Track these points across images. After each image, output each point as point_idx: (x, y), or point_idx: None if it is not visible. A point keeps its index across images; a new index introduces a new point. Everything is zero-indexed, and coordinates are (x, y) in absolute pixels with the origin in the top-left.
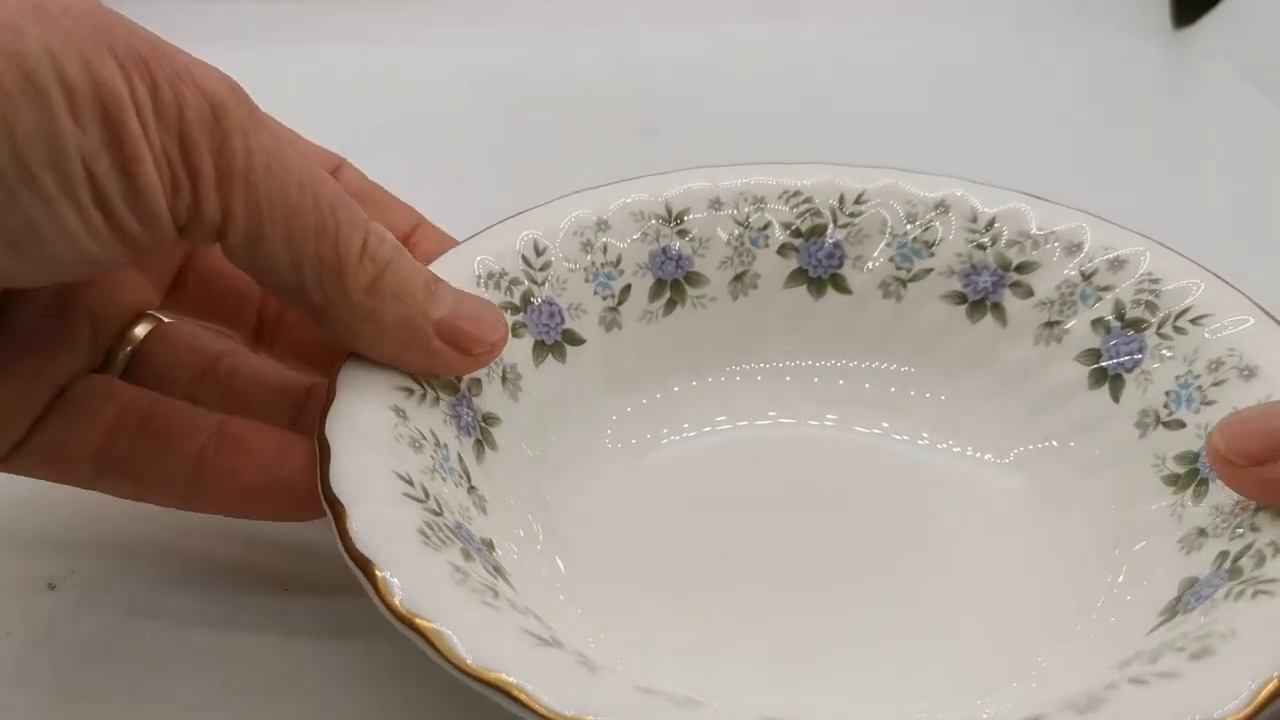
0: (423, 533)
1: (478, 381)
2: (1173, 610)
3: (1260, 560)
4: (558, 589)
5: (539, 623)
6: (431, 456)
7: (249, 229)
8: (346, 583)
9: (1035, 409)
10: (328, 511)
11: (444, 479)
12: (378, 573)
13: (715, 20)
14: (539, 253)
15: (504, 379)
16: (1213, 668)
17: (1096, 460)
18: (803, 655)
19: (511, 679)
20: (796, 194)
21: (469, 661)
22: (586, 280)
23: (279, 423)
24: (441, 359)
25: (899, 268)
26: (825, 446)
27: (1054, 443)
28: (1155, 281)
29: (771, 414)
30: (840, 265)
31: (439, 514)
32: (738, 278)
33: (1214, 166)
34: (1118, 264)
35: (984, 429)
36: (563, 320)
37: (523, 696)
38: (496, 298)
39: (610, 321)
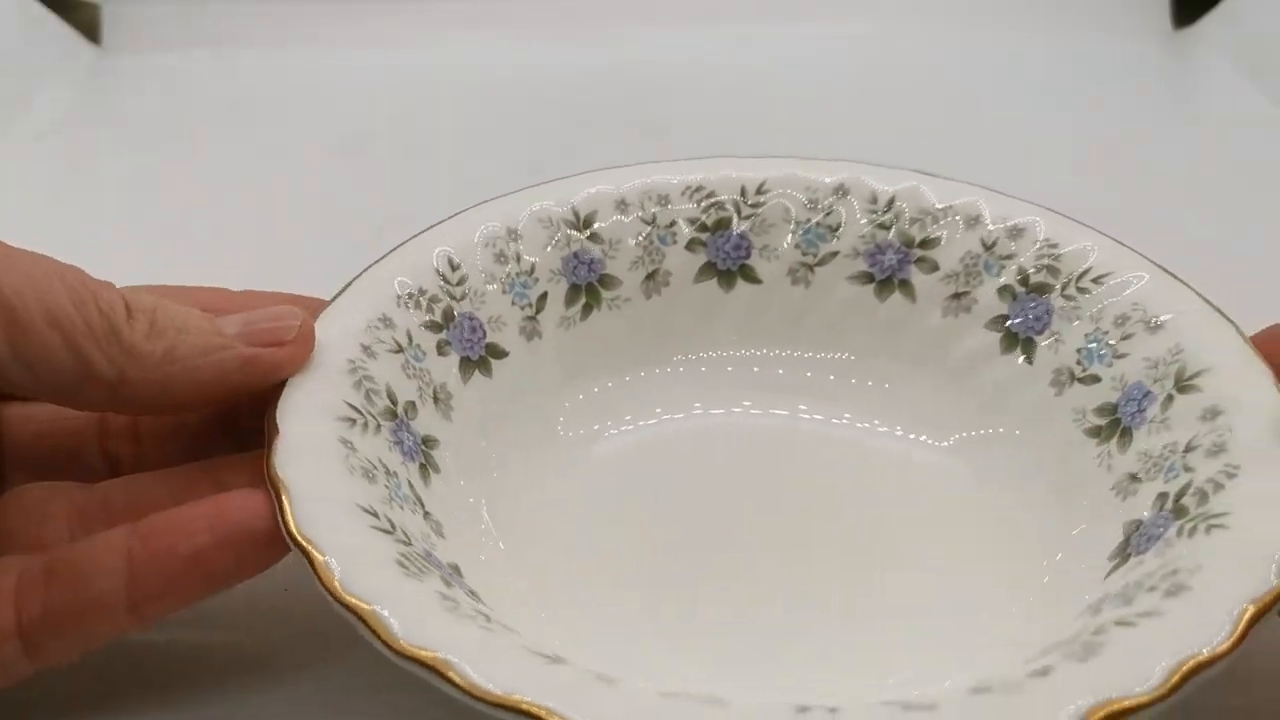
0: (401, 564)
1: (413, 404)
2: (1123, 554)
3: (1204, 498)
4: (522, 597)
5: (532, 641)
6: (385, 486)
7: (7, 326)
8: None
9: (953, 378)
10: (303, 556)
11: (401, 507)
12: (371, 610)
13: (716, 20)
14: (454, 268)
15: (435, 399)
16: (1191, 603)
17: (1020, 422)
18: (761, 639)
19: (533, 699)
20: (699, 189)
21: (488, 688)
22: (504, 291)
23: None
24: (263, 361)
25: (805, 253)
26: (769, 434)
27: (977, 408)
28: (1053, 246)
29: (698, 406)
30: (748, 256)
31: (409, 544)
32: (650, 276)
33: (1214, 166)
34: (1016, 232)
35: (908, 405)
36: (485, 334)
37: (549, 716)
38: (418, 317)
39: (530, 331)
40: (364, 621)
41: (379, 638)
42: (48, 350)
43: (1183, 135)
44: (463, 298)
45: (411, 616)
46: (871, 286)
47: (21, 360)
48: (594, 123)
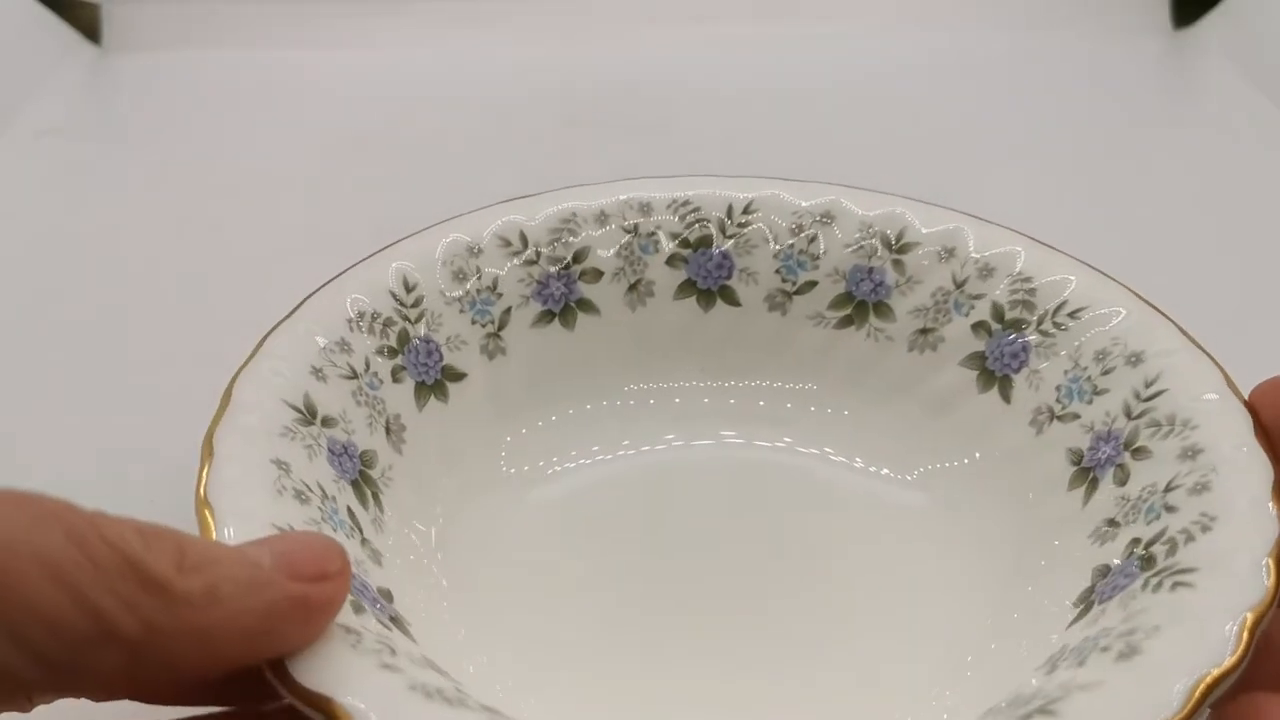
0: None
1: (368, 555)
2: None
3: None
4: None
5: None
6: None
7: None
8: None
9: (807, 361)
10: None
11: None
12: None
13: (718, 21)
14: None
15: (363, 545)
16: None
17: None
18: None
19: None
20: (514, 240)
21: None
22: (359, 404)
23: None
24: (314, 600)
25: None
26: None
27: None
28: (868, 227)
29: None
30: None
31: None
32: (487, 347)
33: (1214, 166)
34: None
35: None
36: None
37: None
38: (303, 515)
39: (393, 444)
40: None
41: None
42: (47, 610)
43: (1183, 135)
44: (320, 436)
45: None
46: (693, 297)
47: (9, 633)
48: (594, 124)
